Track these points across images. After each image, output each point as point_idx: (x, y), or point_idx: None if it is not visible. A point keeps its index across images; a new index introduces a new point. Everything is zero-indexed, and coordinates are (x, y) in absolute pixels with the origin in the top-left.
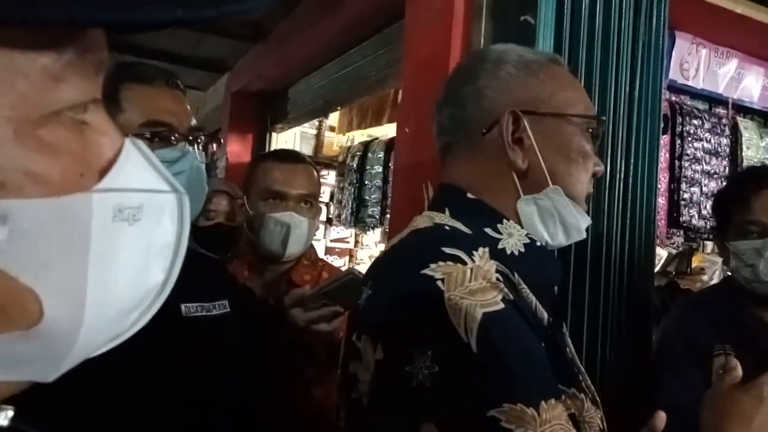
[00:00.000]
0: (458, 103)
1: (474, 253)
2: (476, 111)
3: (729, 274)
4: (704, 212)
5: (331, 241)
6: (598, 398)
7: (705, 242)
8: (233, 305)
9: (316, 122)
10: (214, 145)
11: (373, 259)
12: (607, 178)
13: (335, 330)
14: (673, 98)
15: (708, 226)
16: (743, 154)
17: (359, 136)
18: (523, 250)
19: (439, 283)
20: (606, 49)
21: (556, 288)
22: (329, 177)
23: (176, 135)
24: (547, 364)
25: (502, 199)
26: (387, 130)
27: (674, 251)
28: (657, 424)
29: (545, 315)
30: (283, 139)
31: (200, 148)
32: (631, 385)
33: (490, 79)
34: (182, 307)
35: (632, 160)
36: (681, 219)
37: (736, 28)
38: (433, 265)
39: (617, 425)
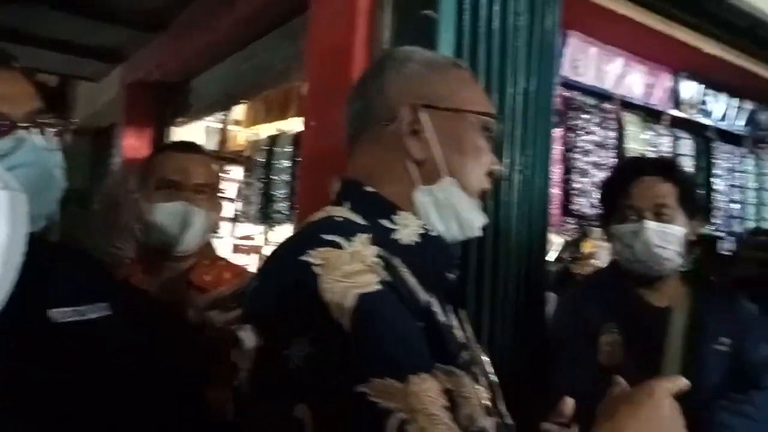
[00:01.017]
0: (364, 96)
1: (353, 238)
2: (379, 104)
3: (614, 257)
4: (593, 201)
5: (239, 238)
6: (490, 378)
7: (594, 229)
8: (116, 307)
9: (221, 115)
10: (63, 129)
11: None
12: (506, 169)
13: None
14: (566, 93)
15: (597, 213)
16: (627, 146)
17: (266, 129)
18: (419, 240)
19: (315, 268)
20: (504, 47)
21: (452, 275)
22: (235, 172)
23: (8, 122)
24: (421, 342)
25: (399, 189)
26: (294, 124)
27: (568, 238)
28: (564, 409)
29: (426, 297)
30: (186, 133)
31: (44, 134)
32: (528, 365)
33: (395, 74)
34: (52, 313)
35: (529, 153)
36: (573, 207)
37: (621, 29)
38: (311, 252)
39: (517, 403)
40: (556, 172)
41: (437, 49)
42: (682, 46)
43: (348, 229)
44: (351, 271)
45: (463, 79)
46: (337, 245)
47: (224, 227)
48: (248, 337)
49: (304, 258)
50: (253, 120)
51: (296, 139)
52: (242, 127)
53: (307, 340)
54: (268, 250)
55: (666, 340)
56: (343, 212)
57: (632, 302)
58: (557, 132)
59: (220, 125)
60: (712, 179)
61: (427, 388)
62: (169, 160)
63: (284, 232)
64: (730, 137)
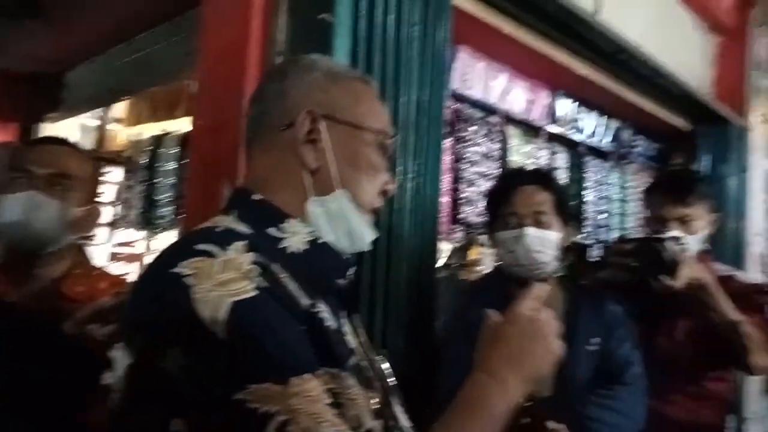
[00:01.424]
0: (264, 100)
1: (228, 247)
2: (278, 108)
3: (498, 262)
4: (479, 209)
5: (117, 245)
6: (388, 382)
7: (480, 236)
8: None
9: (99, 112)
10: None
11: None
12: (399, 178)
13: None
14: (455, 106)
15: (482, 222)
16: (510, 158)
17: (150, 129)
18: (307, 247)
19: (186, 279)
20: (398, 56)
21: (343, 281)
22: (114, 174)
23: None
24: (302, 345)
25: (291, 196)
26: (181, 124)
27: (455, 245)
28: None
29: (306, 300)
30: (59, 130)
31: None
32: (420, 368)
33: (297, 80)
34: None
35: (421, 161)
36: (461, 216)
37: (506, 46)
38: (182, 263)
39: (411, 405)
40: (445, 181)
41: (333, 54)
42: (558, 67)
43: (224, 239)
44: (224, 279)
45: (366, 94)
46: (209, 254)
47: (101, 233)
48: (121, 355)
49: (175, 270)
50: (135, 118)
51: (183, 140)
52: (123, 125)
53: (178, 351)
54: (150, 259)
55: None
56: (227, 221)
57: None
58: (447, 142)
59: (98, 122)
60: (583, 191)
61: (310, 389)
62: (28, 152)
63: (168, 238)
64: (598, 152)
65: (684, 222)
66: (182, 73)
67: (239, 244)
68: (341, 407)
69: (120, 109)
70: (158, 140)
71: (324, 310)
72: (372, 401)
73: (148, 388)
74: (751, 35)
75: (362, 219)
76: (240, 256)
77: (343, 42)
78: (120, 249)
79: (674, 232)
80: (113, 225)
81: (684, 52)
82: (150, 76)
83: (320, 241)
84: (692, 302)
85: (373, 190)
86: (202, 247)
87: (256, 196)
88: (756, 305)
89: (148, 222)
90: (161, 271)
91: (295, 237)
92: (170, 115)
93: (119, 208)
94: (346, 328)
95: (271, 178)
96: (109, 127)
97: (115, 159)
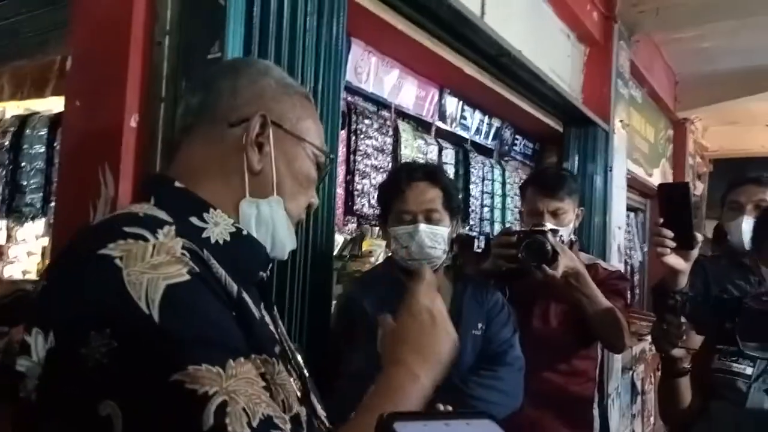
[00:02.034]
0: (213, 91)
1: (158, 230)
2: (228, 104)
3: (389, 254)
4: (372, 201)
5: None
6: (304, 372)
7: (372, 228)
8: None
9: None
10: None
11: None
12: None
13: None
14: (349, 98)
15: (375, 214)
16: (402, 152)
17: (13, 108)
18: (228, 239)
19: (117, 261)
20: (293, 47)
21: (265, 274)
22: None
23: None
24: (235, 330)
25: (222, 192)
26: (51, 104)
27: (348, 237)
28: None
29: (234, 287)
30: None
31: None
32: (314, 353)
33: (251, 81)
34: None
35: None
36: (355, 207)
37: (398, 43)
38: (111, 245)
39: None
40: (340, 172)
41: (226, 40)
42: (447, 66)
43: (152, 223)
44: (156, 263)
45: (310, 110)
46: (141, 237)
47: None
48: (38, 341)
49: (103, 251)
50: None
51: (53, 121)
52: None
53: (108, 333)
54: (15, 250)
55: None
56: (145, 208)
57: (405, 294)
58: (341, 135)
59: None
60: (468, 186)
61: (246, 371)
62: None
63: (35, 228)
64: (482, 149)
65: (556, 215)
66: (51, 47)
67: (168, 229)
68: (271, 392)
69: None
70: (24, 121)
71: (248, 299)
72: (297, 389)
73: (70, 373)
74: (615, 48)
75: (288, 228)
76: (170, 241)
77: (236, 27)
78: None
79: (549, 224)
80: None
81: (557, 60)
82: (13, 50)
83: (245, 232)
84: (564, 289)
85: (303, 202)
86: (131, 230)
87: (178, 184)
88: (616, 290)
89: (13, 210)
90: (85, 253)
91: (217, 228)
92: (38, 93)
93: None
94: (267, 319)
95: (204, 170)
96: None
97: None
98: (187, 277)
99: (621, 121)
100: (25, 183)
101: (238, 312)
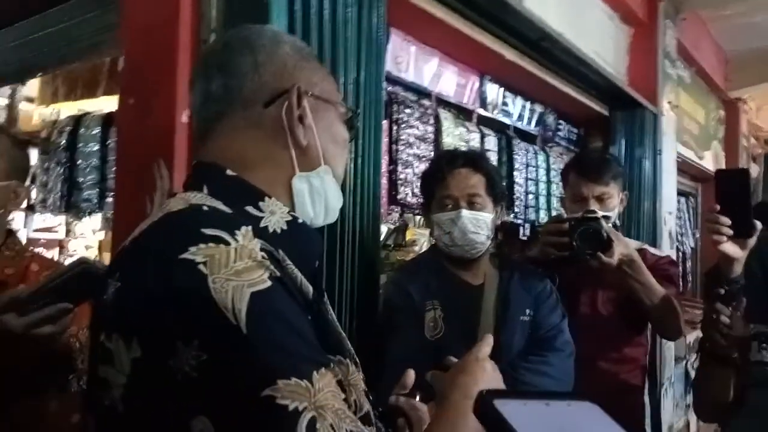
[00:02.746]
0: (234, 72)
1: (237, 232)
2: (256, 82)
3: (434, 242)
4: (416, 191)
5: (35, 230)
6: (357, 360)
7: (416, 217)
8: None
9: (7, 90)
10: None
11: (120, 247)
12: None
13: (64, 330)
14: (390, 88)
15: (418, 203)
16: (443, 140)
17: (67, 109)
18: (285, 227)
19: (201, 267)
20: (335, 36)
21: (317, 262)
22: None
23: None
24: (313, 337)
25: (272, 174)
26: (102, 104)
27: (392, 226)
28: (407, 381)
29: (310, 289)
30: None
31: None
32: (364, 342)
33: (269, 54)
34: None
35: (360, 144)
36: (398, 197)
37: (437, 31)
38: (193, 248)
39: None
40: (383, 162)
41: None
42: (487, 52)
43: (228, 223)
44: (241, 268)
45: (323, 70)
46: (222, 240)
47: (18, 218)
48: (120, 347)
49: (185, 256)
50: (50, 97)
51: (106, 120)
52: (36, 105)
53: (196, 344)
54: (74, 244)
55: (481, 314)
56: (203, 199)
57: (451, 282)
58: (384, 124)
59: (7, 101)
60: (511, 173)
61: (328, 383)
62: None
63: (93, 223)
64: (525, 136)
65: (601, 200)
66: (103, 49)
67: (246, 230)
68: (346, 393)
69: (32, 87)
70: (78, 120)
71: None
72: (362, 383)
73: (160, 386)
74: (661, 27)
75: (338, 193)
76: (250, 243)
77: (279, 22)
78: (39, 234)
79: (596, 209)
80: (30, 209)
81: (601, 42)
82: (67, 52)
83: (300, 221)
84: (617, 276)
85: (344, 163)
86: (210, 232)
87: (230, 172)
88: (667, 276)
89: (71, 205)
90: (167, 256)
91: (274, 216)
92: (89, 93)
93: (35, 191)
94: (324, 307)
95: (249, 155)
96: (20, 106)
97: (30, 140)
98: (269, 283)
99: (669, 102)
100: (81, 180)
101: (315, 313)
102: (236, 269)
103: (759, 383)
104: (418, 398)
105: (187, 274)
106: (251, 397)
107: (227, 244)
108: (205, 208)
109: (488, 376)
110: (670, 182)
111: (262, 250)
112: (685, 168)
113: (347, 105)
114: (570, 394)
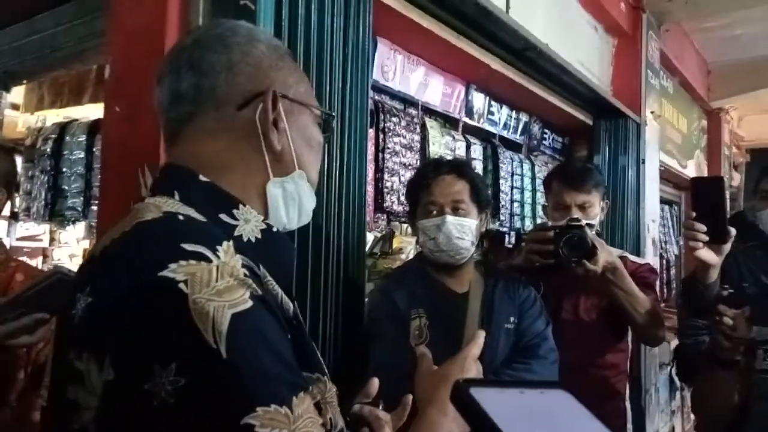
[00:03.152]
0: (206, 71)
1: (218, 248)
2: (229, 83)
3: (419, 249)
4: (402, 199)
5: (18, 239)
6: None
7: (403, 225)
8: None
9: None
10: None
11: (84, 258)
12: (325, 167)
13: (40, 341)
14: (376, 97)
15: (404, 211)
16: (429, 148)
17: (52, 116)
18: (260, 236)
19: (182, 285)
20: (321, 48)
21: (292, 271)
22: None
23: None
24: (292, 359)
25: (244, 179)
26: (88, 111)
27: (378, 234)
28: (370, 390)
29: (290, 305)
30: None
31: None
32: (349, 351)
33: (244, 53)
34: None
35: (345, 152)
36: (384, 205)
37: (423, 40)
38: (173, 266)
39: (340, 387)
40: (369, 170)
41: None
42: (473, 61)
43: (206, 236)
44: (222, 287)
45: (299, 70)
46: (203, 257)
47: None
48: (91, 368)
49: (165, 273)
50: (36, 105)
51: (92, 127)
52: (21, 112)
53: (173, 368)
54: (59, 253)
55: (466, 321)
56: (176, 206)
57: (436, 289)
58: (370, 133)
59: None
60: (497, 181)
61: (307, 408)
62: None
63: (77, 231)
64: (511, 144)
65: (583, 208)
66: (89, 57)
67: (227, 245)
68: (322, 412)
69: (18, 94)
70: (63, 128)
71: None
72: (333, 389)
73: (135, 411)
74: (644, 38)
75: (311, 195)
76: (231, 260)
77: (266, 29)
78: (22, 243)
79: (577, 217)
80: (13, 218)
81: (585, 52)
82: (52, 60)
83: (274, 229)
84: (599, 283)
85: (318, 167)
86: (191, 248)
87: (203, 178)
88: (647, 283)
89: (55, 214)
90: (146, 273)
91: (248, 225)
92: (75, 101)
93: (20, 199)
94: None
95: (221, 158)
96: (5, 113)
97: (13, 148)
98: (249, 303)
99: (652, 112)
100: (66, 188)
101: (294, 330)
102: (218, 289)
103: (765, 395)
104: (381, 407)
105: (166, 294)
106: (231, 426)
107: (209, 261)
108: (180, 217)
109: (462, 372)
110: (653, 191)
111: (243, 266)
112: (668, 177)
113: (323, 108)
114: (544, 383)
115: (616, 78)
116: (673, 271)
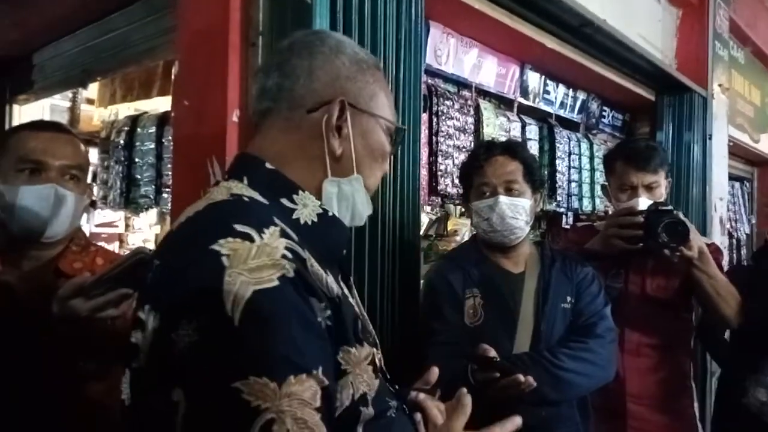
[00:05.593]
0: (289, 74)
1: (265, 230)
2: (305, 87)
3: (474, 232)
4: (456, 181)
5: (96, 225)
6: (377, 341)
7: (457, 207)
8: None
9: (69, 94)
10: None
11: (168, 231)
12: None
13: (125, 314)
14: (429, 81)
15: (458, 193)
16: (484, 130)
17: (124, 109)
18: (315, 219)
19: (224, 258)
20: (374, 35)
21: (344, 251)
22: (90, 155)
23: None
24: (311, 341)
25: (305, 175)
26: (157, 104)
27: (433, 217)
28: (430, 377)
29: (335, 287)
30: (29, 113)
31: None
32: (405, 328)
33: (326, 62)
34: None
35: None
36: (439, 188)
37: (476, 22)
38: (221, 241)
39: (396, 361)
40: (423, 154)
41: None
42: (527, 41)
43: (261, 221)
44: (254, 265)
45: (381, 83)
46: (248, 237)
47: None
48: (149, 318)
49: (214, 247)
50: (109, 99)
51: (161, 119)
52: (96, 106)
53: (194, 327)
54: (133, 238)
55: (521, 301)
56: (244, 189)
57: (491, 269)
58: (423, 117)
59: (69, 104)
60: (554, 161)
61: (302, 390)
62: (30, 140)
63: (149, 217)
64: (568, 123)
65: (650, 189)
66: (158, 53)
67: (274, 229)
68: (346, 375)
69: (92, 90)
70: (135, 120)
71: (333, 282)
72: (377, 356)
73: (161, 354)
74: (712, 6)
75: (366, 201)
76: (275, 241)
77: (321, 22)
78: (100, 229)
79: (663, 201)
80: (92, 205)
81: (647, 25)
82: (125, 56)
83: (330, 213)
84: (679, 266)
85: (380, 175)
86: (240, 228)
87: (270, 166)
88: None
89: (129, 201)
90: (200, 244)
91: (306, 209)
92: (145, 94)
93: (98, 188)
94: (346, 292)
95: (288, 153)
96: (81, 108)
97: (91, 140)
98: (275, 283)
99: (720, 85)
100: (139, 177)
101: (335, 309)
102: (250, 266)
103: None
104: (437, 395)
105: (210, 263)
106: (222, 386)
107: (252, 241)
108: (246, 198)
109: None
110: (721, 167)
111: (288, 249)
112: (738, 152)
113: (402, 126)
114: None
115: (680, 50)
116: (743, 251)
